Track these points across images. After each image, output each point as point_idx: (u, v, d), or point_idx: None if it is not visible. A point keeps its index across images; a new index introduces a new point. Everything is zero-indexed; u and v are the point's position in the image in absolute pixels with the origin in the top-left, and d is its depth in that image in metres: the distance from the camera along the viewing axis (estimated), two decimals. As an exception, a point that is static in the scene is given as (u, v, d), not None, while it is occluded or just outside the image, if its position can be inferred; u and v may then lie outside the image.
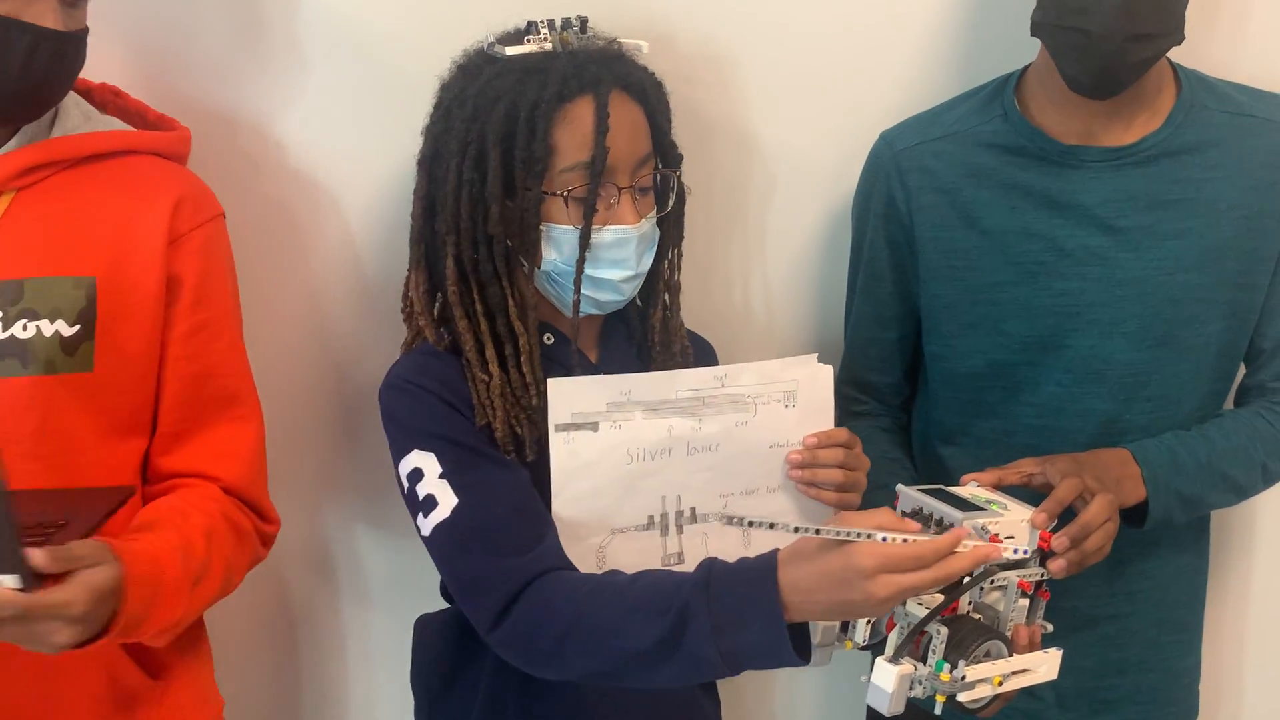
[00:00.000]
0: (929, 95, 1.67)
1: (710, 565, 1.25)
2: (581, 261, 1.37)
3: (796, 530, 1.16)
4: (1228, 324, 1.54)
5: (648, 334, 1.51)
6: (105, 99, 1.51)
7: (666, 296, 1.51)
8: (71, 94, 1.42)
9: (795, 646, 1.19)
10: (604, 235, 1.37)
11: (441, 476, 1.34)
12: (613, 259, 1.38)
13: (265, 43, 1.62)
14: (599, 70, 1.36)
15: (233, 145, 1.63)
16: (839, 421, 1.44)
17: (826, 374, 1.43)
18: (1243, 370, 1.62)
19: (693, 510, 1.41)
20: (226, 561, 1.37)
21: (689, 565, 1.35)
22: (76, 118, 1.41)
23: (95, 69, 1.42)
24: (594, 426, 1.35)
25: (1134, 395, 1.53)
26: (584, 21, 1.43)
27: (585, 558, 1.37)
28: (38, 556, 1.10)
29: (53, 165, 1.37)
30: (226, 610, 1.52)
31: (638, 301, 1.50)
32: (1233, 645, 1.92)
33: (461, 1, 1.58)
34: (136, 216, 1.38)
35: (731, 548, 1.40)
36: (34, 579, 1.10)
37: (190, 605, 1.31)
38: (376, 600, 1.81)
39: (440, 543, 1.34)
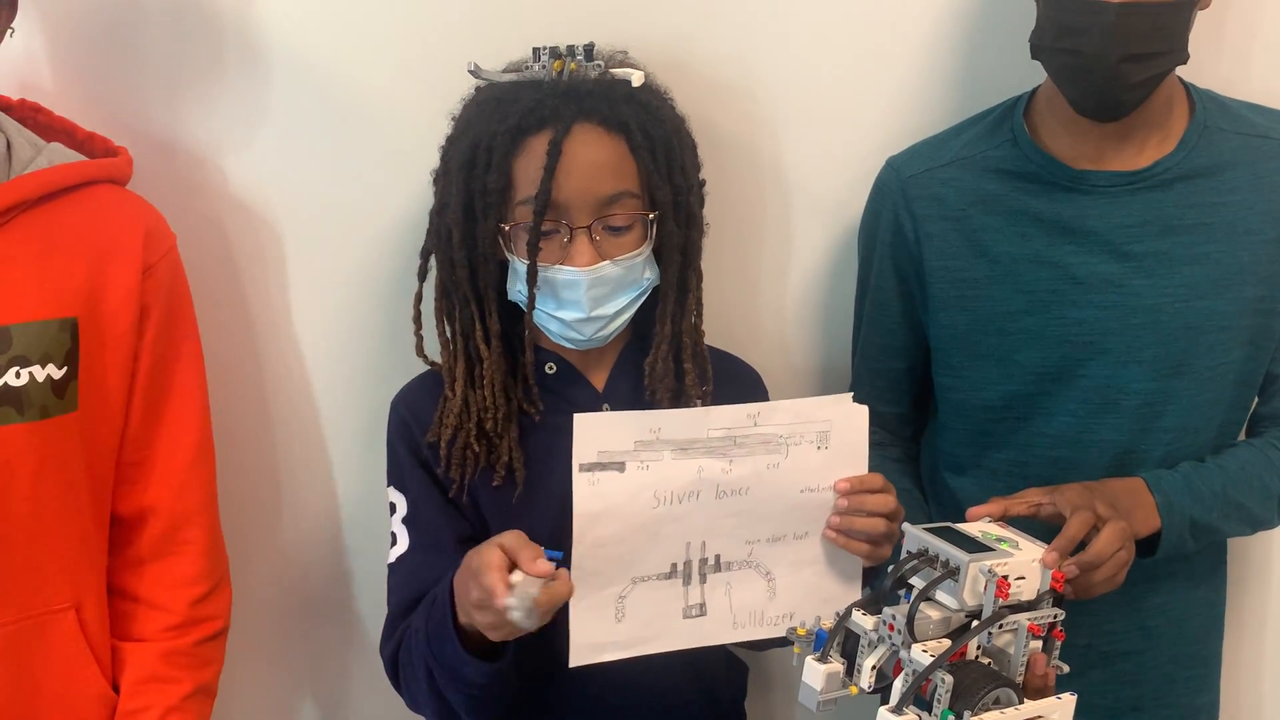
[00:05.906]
0: (933, 118, 1.64)
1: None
2: (531, 298, 1.36)
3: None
4: (1247, 351, 1.50)
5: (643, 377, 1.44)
6: (25, 115, 1.47)
7: (664, 345, 1.43)
8: (10, 121, 1.39)
9: (491, 655, 1.26)
10: (555, 274, 1.35)
11: (404, 520, 1.43)
12: (566, 300, 1.36)
13: (216, 65, 1.58)
14: (561, 104, 1.33)
15: (170, 167, 1.60)
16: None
17: (861, 415, 1.34)
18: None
19: (717, 558, 1.33)
20: (200, 691, 1.48)
21: (712, 618, 1.33)
22: (27, 151, 1.37)
23: (30, 83, 1.38)
24: (620, 467, 1.27)
25: (1150, 426, 1.49)
26: (588, 49, 1.38)
27: (603, 609, 1.30)
28: None
29: (19, 206, 1.34)
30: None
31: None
32: (1250, 678, 1.88)
33: (410, 34, 1.58)
34: (110, 251, 1.38)
35: (756, 598, 1.35)
36: None
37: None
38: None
39: (389, 577, 1.44)
